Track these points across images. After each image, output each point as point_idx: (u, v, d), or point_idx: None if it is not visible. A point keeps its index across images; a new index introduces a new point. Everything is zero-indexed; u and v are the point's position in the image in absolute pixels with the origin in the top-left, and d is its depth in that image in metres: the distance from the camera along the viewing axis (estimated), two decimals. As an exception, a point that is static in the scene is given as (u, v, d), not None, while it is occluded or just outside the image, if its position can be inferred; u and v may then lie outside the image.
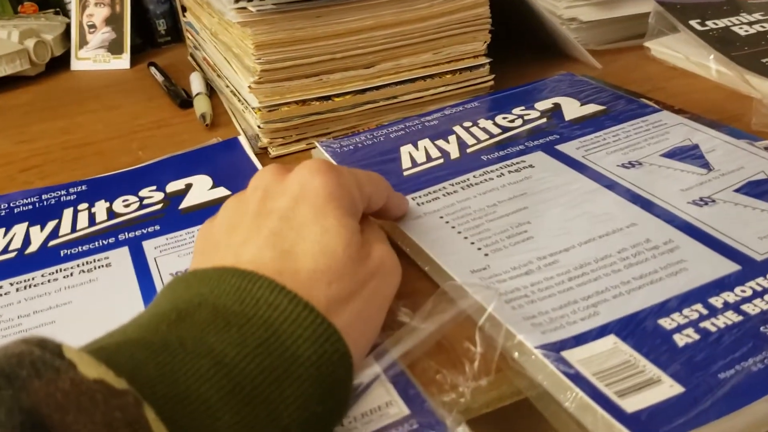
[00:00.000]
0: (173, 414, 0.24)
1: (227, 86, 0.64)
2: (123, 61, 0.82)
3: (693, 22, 0.64)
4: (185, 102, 0.68)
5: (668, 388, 0.29)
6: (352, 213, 0.33)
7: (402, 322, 0.35)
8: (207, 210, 0.48)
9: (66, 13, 0.87)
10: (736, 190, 0.42)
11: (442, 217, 0.43)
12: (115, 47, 0.82)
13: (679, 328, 0.31)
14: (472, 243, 0.40)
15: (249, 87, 0.54)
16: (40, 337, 0.24)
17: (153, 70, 0.78)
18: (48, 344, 0.23)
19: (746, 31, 0.64)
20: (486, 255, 0.39)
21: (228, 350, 0.26)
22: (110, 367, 0.23)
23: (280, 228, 0.32)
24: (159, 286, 0.41)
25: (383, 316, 0.33)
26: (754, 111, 0.53)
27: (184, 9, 0.79)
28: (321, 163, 0.34)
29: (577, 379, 0.29)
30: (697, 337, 0.31)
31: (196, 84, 0.70)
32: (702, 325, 0.31)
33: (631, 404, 0.28)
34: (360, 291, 0.31)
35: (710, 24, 0.64)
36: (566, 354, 0.31)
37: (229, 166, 0.54)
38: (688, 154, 0.47)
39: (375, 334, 0.33)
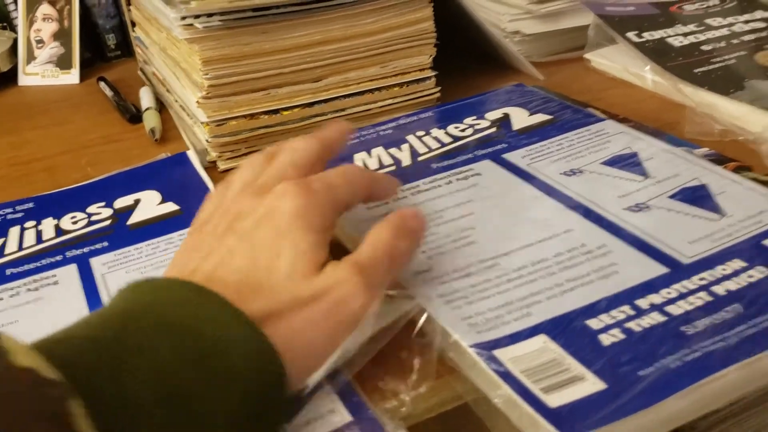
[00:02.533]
0: (104, 409, 0.24)
1: (176, 101, 0.64)
2: (72, 76, 0.82)
3: (630, 34, 0.66)
4: (135, 117, 0.68)
5: (591, 384, 0.30)
6: (320, 229, 0.34)
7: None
8: (155, 225, 0.48)
9: (13, 28, 0.86)
10: (671, 197, 0.44)
11: None
12: (63, 62, 0.82)
13: (606, 329, 0.33)
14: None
15: (197, 102, 0.55)
16: None
17: (102, 85, 0.78)
18: None
19: (681, 42, 0.66)
20: (429, 258, 0.40)
21: (167, 356, 0.27)
22: (46, 357, 0.23)
23: (237, 248, 0.34)
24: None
25: (335, 341, 0.32)
26: (687, 119, 0.55)
27: (133, 24, 0.78)
28: (293, 185, 0.35)
29: (506, 376, 0.31)
30: (622, 336, 0.32)
31: (145, 99, 0.70)
32: (627, 325, 0.33)
33: (554, 400, 0.29)
34: (301, 309, 0.31)
35: (646, 36, 0.67)
36: (498, 353, 0.32)
37: (177, 181, 0.54)
38: (627, 162, 0.49)
39: (321, 358, 0.31)
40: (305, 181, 0.36)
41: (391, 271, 0.35)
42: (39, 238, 0.48)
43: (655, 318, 0.33)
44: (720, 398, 0.30)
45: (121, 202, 0.52)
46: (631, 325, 0.33)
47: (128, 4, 0.78)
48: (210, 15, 0.52)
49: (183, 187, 0.53)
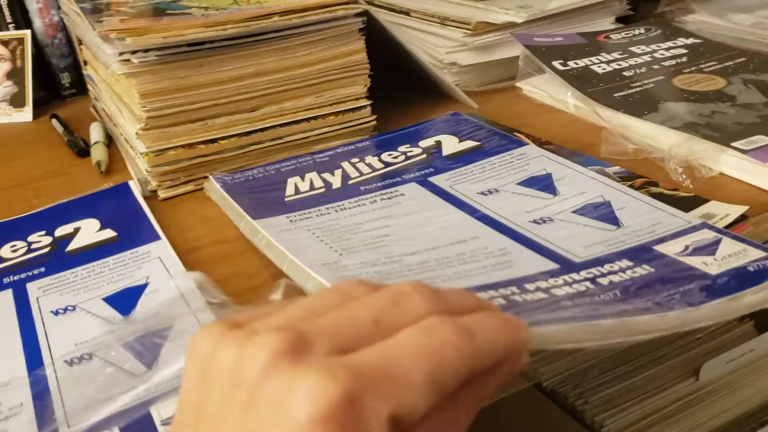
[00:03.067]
0: None
1: (121, 134, 0.66)
2: (25, 114, 0.84)
3: (555, 63, 0.70)
4: (83, 151, 0.70)
5: None
6: None
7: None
8: (92, 251, 0.50)
9: (-31, 69, 0.88)
10: (575, 212, 0.47)
11: (309, 230, 0.47)
12: (17, 100, 0.84)
13: (491, 299, 0.35)
14: (331, 247, 0.44)
15: (136, 133, 0.57)
16: None
17: (54, 122, 0.80)
18: None
19: (603, 69, 0.70)
20: (340, 255, 0.42)
21: None
22: None
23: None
24: (39, 326, 0.43)
25: None
26: (604, 140, 0.58)
27: (85, 62, 0.81)
28: (339, 371, 0.22)
29: None
30: (504, 302, 0.34)
31: (94, 133, 0.72)
32: (512, 297, 0.35)
33: None
34: None
35: (571, 64, 0.70)
36: None
37: (117, 210, 0.56)
38: (540, 182, 0.51)
39: None
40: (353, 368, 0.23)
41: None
42: (-22, 267, 0.50)
43: (538, 295, 0.36)
44: (589, 337, 0.31)
45: (61, 231, 0.54)
46: (515, 297, 0.35)
47: (80, 43, 0.81)
48: (146, 50, 0.55)
49: (122, 214, 0.55)
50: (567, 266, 0.39)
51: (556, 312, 0.33)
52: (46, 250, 0.51)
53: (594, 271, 0.39)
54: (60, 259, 0.50)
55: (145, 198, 0.58)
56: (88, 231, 0.53)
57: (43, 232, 0.54)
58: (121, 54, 0.55)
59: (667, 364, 0.65)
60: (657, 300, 0.35)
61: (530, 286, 0.37)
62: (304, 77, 0.61)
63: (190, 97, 0.57)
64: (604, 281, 0.37)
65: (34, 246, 0.52)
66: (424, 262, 0.41)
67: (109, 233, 0.53)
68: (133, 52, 0.55)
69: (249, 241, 0.49)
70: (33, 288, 0.46)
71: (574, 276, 0.38)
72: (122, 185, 0.60)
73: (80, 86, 0.90)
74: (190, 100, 0.57)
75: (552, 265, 0.40)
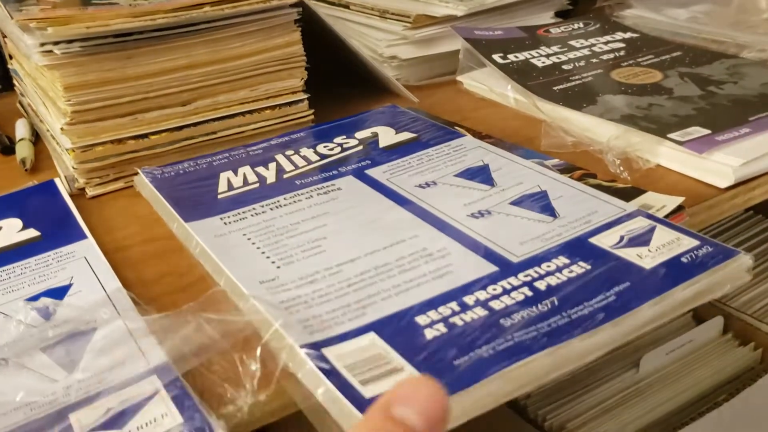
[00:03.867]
0: None
1: (48, 130, 0.64)
2: (-52, 111, 0.80)
3: (495, 56, 0.70)
4: (7, 148, 0.67)
5: (407, 375, 0.31)
6: None
7: (188, 334, 0.36)
8: (12, 252, 0.48)
9: None
10: (512, 203, 0.46)
11: (245, 235, 0.45)
12: (-62, 97, 0.80)
13: (432, 324, 0.35)
14: (268, 257, 0.42)
15: (62, 129, 0.54)
16: None
17: (-21, 118, 0.76)
18: None
19: (543, 62, 0.70)
20: (278, 267, 0.41)
21: None
22: None
23: None
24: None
25: None
26: (543, 134, 0.58)
27: (11, 56, 0.78)
28: None
29: (329, 372, 0.32)
30: (445, 330, 0.34)
31: (20, 130, 0.69)
32: (452, 320, 0.35)
33: (369, 390, 0.31)
34: None
35: (511, 57, 0.70)
36: (326, 351, 0.33)
37: (41, 208, 0.54)
38: (477, 174, 0.51)
39: None
40: None
41: None
42: None
43: (478, 312, 0.35)
44: (529, 382, 0.32)
45: (-22, 232, 0.51)
46: (455, 319, 0.35)
47: (4, 36, 0.77)
48: (70, 41, 0.52)
49: (46, 213, 0.53)
50: (505, 268, 0.39)
51: (494, 341, 0.33)
52: (-37, 251, 0.48)
53: (531, 272, 0.38)
54: (-23, 261, 0.47)
55: (72, 196, 0.56)
56: (9, 231, 0.50)
57: (-40, 234, 0.51)
58: (42, 45, 0.52)
59: (608, 356, 0.65)
60: (593, 306, 0.35)
61: (469, 300, 0.36)
62: (238, 70, 0.59)
63: (117, 90, 0.55)
64: (542, 285, 0.37)
65: (-50, 246, 0.49)
66: (363, 273, 0.39)
67: (32, 233, 0.50)
68: (56, 43, 0.52)
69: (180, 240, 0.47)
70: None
71: (512, 281, 0.38)
72: (48, 183, 0.58)
73: (6, 82, 0.87)
74: (117, 94, 0.55)
75: (490, 268, 0.39)
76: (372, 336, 0.34)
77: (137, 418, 0.32)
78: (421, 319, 0.35)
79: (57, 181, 0.58)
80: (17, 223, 0.51)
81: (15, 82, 0.78)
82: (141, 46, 0.55)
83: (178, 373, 0.35)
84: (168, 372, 0.34)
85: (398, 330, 0.34)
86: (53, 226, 0.51)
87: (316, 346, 0.33)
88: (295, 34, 0.61)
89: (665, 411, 0.60)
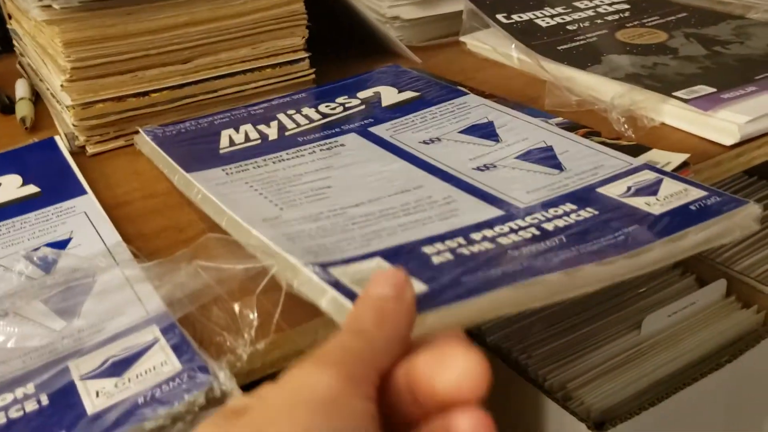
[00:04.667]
0: None
1: (47, 89, 0.63)
2: (-53, 72, 0.79)
3: (499, 16, 0.69)
4: (7, 107, 0.67)
5: (415, 287, 0.30)
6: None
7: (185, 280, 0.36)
8: (13, 207, 0.48)
9: None
10: (517, 158, 0.46)
11: (247, 183, 0.45)
12: (-63, 58, 0.79)
13: (438, 253, 0.34)
14: (271, 201, 0.42)
15: (61, 85, 0.54)
16: None
17: (-22, 79, 0.76)
18: None
19: (547, 22, 0.69)
20: (281, 209, 0.41)
21: None
22: None
23: None
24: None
25: None
26: (547, 93, 0.57)
27: (10, 16, 0.77)
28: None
29: (335, 284, 0.32)
30: (451, 257, 0.34)
31: (20, 90, 0.69)
32: (459, 250, 0.35)
33: None
34: None
35: (515, 17, 0.69)
36: (332, 269, 0.33)
37: (42, 165, 0.53)
38: (482, 130, 0.50)
39: None
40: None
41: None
42: None
43: (485, 245, 0.35)
44: (537, 298, 0.31)
45: (-22, 188, 0.50)
46: (462, 250, 0.35)
47: (4, -4, 0.77)
48: (69, -5, 0.51)
49: (46, 170, 0.52)
50: (512, 213, 0.39)
51: (503, 266, 0.33)
52: (-37, 207, 0.48)
53: (539, 216, 0.38)
54: (-22, 217, 0.47)
55: (72, 154, 0.55)
56: (9, 187, 0.50)
57: (-40, 190, 0.50)
58: (40, 0, 0.52)
59: (610, 318, 0.65)
60: (603, 243, 0.35)
61: (476, 236, 0.36)
62: (240, 27, 0.59)
63: (118, 46, 0.54)
64: (549, 227, 0.37)
65: (-52, 203, 0.49)
66: (368, 215, 0.39)
67: (32, 189, 0.50)
68: (55, -2, 0.51)
69: (182, 194, 0.47)
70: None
71: (519, 222, 0.37)
72: (48, 140, 0.57)
73: (6, 43, 0.86)
74: (118, 50, 0.54)
75: (497, 212, 0.39)
76: (378, 260, 0.34)
77: (136, 365, 0.32)
78: (428, 249, 0.35)
79: (57, 138, 0.57)
80: (17, 179, 0.51)
81: (14, 42, 0.78)
82: (142, 2, 0.54)
83: (174, 318, 0.34)
84: (166, 320, 0.34)
85: (405, 257, 0.34)
86: (53, 182, 0.51)
87: (321, 265, 0.33)
88: (296, -8, 0.60)
89: (667, 372, 0.60)
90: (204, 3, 0.57)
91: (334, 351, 0.25)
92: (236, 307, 0.34)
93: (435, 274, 0.32)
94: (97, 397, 0.30)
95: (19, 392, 0.31)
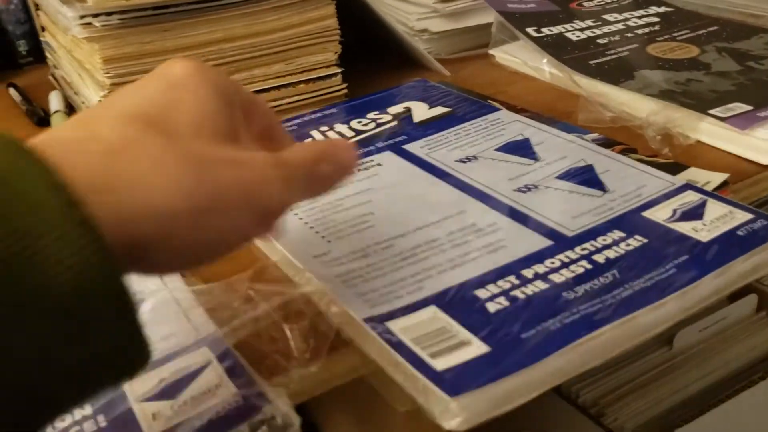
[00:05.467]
0: None
1: (83, 102, 0.64)
2: (-20, 84, 0.80)
3: (530, 30, 0.69)
4: (42, 120, 0.67)
5: (476, 348, 0.31)
6: (227, 102, 0.29)
7: (238, 306, 0.36)
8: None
9: None
10: (558, 177, 0.46)
11: (290, 209, 0.45)
12: (-30, 70, 0.80)
13: (493, 297, 0.35)
14: (317, 232, 0.42)
15: (99, 101, 0.55)
16: None
17: (12, 90, 0.76)
18: None
19: (578, 36, 0.69)
20: (329, 242, 0.41)
21: None
22: None
23: (124, 91, 0.28)
24: None
25: (245, 224, 0.27)
26: (580, 108, 0.57)
27: (43, 29, 0.78)
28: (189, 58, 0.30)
29: (398, 345, 0.32)
30: (507, 303, 0.34)
31: (54, 102, 0.69)
32: (513, 293, 0.35)
33: (440, 363, 0.31)
34: (213, 165, 0.25)
35: (545, 31, 0.69)
36: (390, 324, 0.33)
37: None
38: (519, 148, 0.50)
39: (222, 244, 0.27)
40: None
41: (307, 190, 0.31)
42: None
43: (539, 286, 0.35)
44: (597, 356, 0.32)
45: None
46: (516, 293, 0.35)
47: (37, 9, 0.77)
48: (109, 14, 0.52)
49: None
50: (560, 242, 0.39)
51: (560, 315, 0.33)
52: None
53: (588, 246, 0.38)
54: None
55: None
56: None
57: None
58: (82, 17, 0.52)
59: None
60: (655, 279, 0.35)
61: (528, 273, 0.36)
62: (274, 43, 0.59)
63: (155, 63, 0.55)
64: (600, 258, 0.37)
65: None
66: (415, 248, 0.39)
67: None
68: (95, 16, 0.52)
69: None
70: None
71: (570, 254, 0.37)
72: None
73: (38, 54, 0.87)
74: (155, 67, 0.55)
75: (545, 242, 0.39)
76: (433, 309, 0.34)
77: (190, 388, 0.32)
78: (481, 293, 0.35)
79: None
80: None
81: (47, 54, 0.79)
82: (179, 19, 0.55)
83: (227, 341, 0.35)
84: (218, 343, 0.35)
85: (459, 303, 0.34)
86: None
87: (379, 319, 0.34)
88: (329, 8, 0.61)
89: (698, 388, 0.60)
90: (239, 19, 0.57)
91: None
92: (290, 330, 0.35)
93: (493, 329, 0.33)
94: (154, 420, 0.31)
95: (78, 414, 0.32)
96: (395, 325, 0.33)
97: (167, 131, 0.25)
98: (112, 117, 0.25)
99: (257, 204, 0.27)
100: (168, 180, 0.24)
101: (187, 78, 0.28)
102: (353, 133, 0.56)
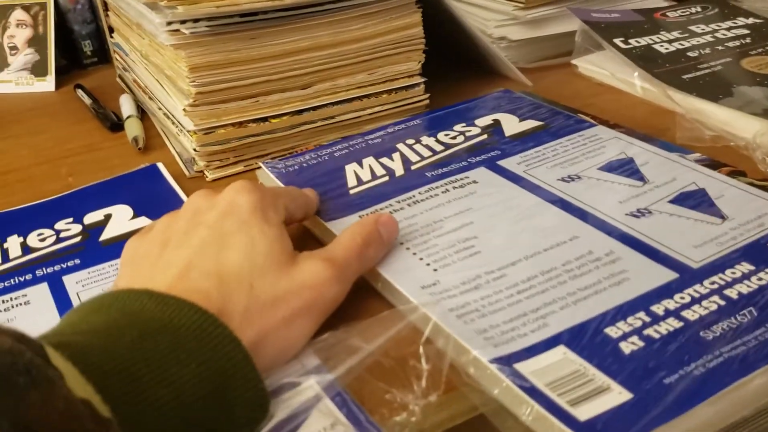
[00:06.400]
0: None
1: (160, 108, 0.62)
2: (48, 84, 0.79)
3: (617, 41, 0.66)
4: (116, 125, 0.66)
5: (618, 395, 0.29)
6: (274, 223, 0.37)
7: (348, 344, 0.35)
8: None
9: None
10: (671, 201, 0.44)
11: None
12: (38, 69, 0.80)
13: (625, 336, 0.32)
14: (421, 259, 0.40)
15: (184, 110, 0.53)
16: (15, 330, 0.24)
17: (80, 92, 0.76)
18: (30, 342, 0.24)
19: (666, 48, 0.66)
20: (435, 270, 0.39)
21: (186, 388, 0.27)
22: (96, 389, 0.24)
23: (209, 236, 0.35)
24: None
25: (311, 328, 0.35)
26: (678, 125, 0.55)
27: (111, 30, 0.77)
28: (245, 183, 0.38)
29: (532, 391, 0.30)
30: (642, 344, 0.32)
31: (126, 106, 0.68)
32: (646, 332, 0.33)
33: (584, 412, 0.29)
34: (283, 298, 0.34)
35: (633, 42, 0.67)
36: (519, 366, 0.31)
37: (149, 194, 0.52)
38: (624, 168, 0.48)
39: (297, 346, 0.34)
40: (253, 183, 0.39)
41: (359, 272, 0.38)
42: (5, 257, 0.46)
43: (672, 324, 0.33)
44: (748, 404, 0.30)
45: (90, 218, 0.50)
46: (650, 331, 0.33)
47: (106, 9, 0.76)
48: (196, 20, 0.51)
49: (155, 200, 0.51)
50: (686, 275, 0.37)
51: (702, 357, 0.31)
52: (78, 239, 0.47)
53: (717, 279, 0.36)
54: (94, 249, 0.46)
55: (182, 179, 0.55)
56: (121, 219, 0.49)
57: (71, 219, 0.50)
58: (169, 24, 0.51)
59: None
60: None
61: (658, 309, 0.34)
62: (358, 52, 0.57)
63: (241, 71, 0.53)
64: (733, 294, 0.35)
65: (63, 235, 0.48)
66: (531, 278, 0.37)
67: (145, 221, 0.49)
68: (183, 22, 0.51)
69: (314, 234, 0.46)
70: (70, 282, 0.43)
71: (699, 289, 0.35)
72: (151, 167, 0.56)
73: (102, 55, 0.86)
74: (241, 75, 0.53)
75: (671, 274, 0.37)
76: (563, 349, 0.32)
77: (301, 429, 0.31)
78: (612, 331, 0.33)
79: (160, 165, 0.57)
80: (127, 210, 0.50)
81: (115, 56, 0.78)
82: (266, 27, 0.53)
83: (338, 378, 0.33)
84: (329, 379, 0.33)
85: (589, 343, 0.32)
86: (163, 214, 0.50)
87: (506, 361, 0.32)
88: (415, 16, 0.59)
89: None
90: (325, 27, 0.55)
91: None
92: (402, 365, 0.33)
93: (633, 373, 0.31)
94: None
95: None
96: (525, 368, 0.31)
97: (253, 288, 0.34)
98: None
99: (317, 312, 0.35)
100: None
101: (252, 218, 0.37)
102: (441, 147, 0.54)
